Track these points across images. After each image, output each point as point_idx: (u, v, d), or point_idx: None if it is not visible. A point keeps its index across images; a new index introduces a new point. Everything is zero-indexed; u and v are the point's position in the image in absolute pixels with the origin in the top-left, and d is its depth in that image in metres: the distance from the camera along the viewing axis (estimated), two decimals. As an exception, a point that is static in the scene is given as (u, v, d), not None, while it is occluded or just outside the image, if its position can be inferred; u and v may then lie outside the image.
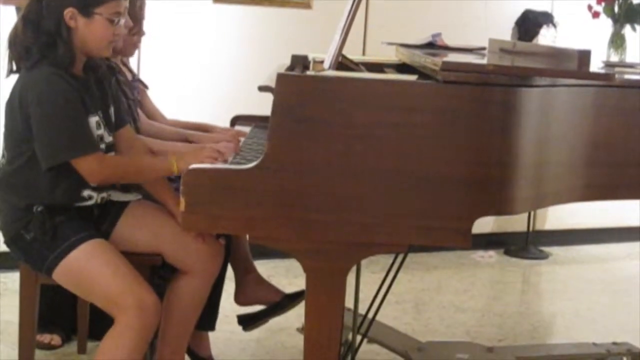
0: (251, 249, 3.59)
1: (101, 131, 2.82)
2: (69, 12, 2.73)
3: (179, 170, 2.74)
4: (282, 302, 3.50)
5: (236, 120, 3.76)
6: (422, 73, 2.81)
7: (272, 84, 2.52)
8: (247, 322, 3.56)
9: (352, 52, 3.40)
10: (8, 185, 2.82)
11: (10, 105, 2.78)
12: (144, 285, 2.76)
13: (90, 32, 2.76)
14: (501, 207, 2.61)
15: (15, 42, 2.77)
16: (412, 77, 2.67)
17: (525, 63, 3.04)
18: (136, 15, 3.30)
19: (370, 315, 3.43)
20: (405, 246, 2.63)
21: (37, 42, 2.73)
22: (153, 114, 3.59)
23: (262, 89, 3.09)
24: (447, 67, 2.54)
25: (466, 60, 3.04)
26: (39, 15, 2.74)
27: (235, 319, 3.59)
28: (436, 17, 5.43)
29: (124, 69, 3.46)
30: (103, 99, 2.89)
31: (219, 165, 2.65)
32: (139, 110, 3.26)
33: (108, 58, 2.97)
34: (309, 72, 2.75)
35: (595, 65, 3.57)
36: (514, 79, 2.58)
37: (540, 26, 5.87)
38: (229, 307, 3.66)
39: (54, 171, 2.73)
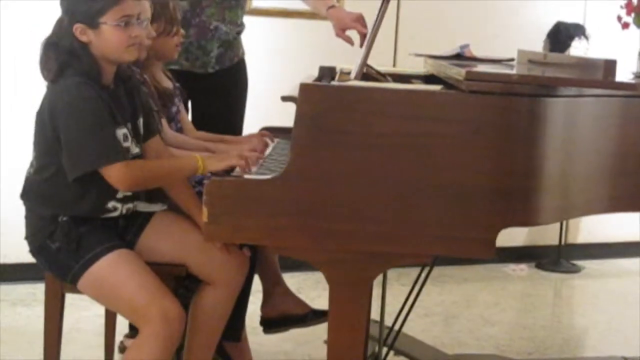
0: (280, 262, 3.59)
1: (128, 143, 2.82)
2: (77, 28, 2.75)
3: (205, 169, 2.76)
4: (306, 316, 3.51)
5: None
6: (448, 84, 2.80)
7: (296, 94, 2.52)
8: (268, 325, 3.59)
9: (383, 64, 3.39)
10: (35, 195, 2.85)
11: (40, 115, 2.80)
12: (168, 296, 2.76)
13: (103, 41, 2.76)
14: (526, 218, 2.58)
15: (43, 66, 2.80)
16: (437, 87, 2.66)
17: (552, 73, 3.02)
18: (171, 16, 3.30)
19: (396, 327, 3.42)
20: (429, 257, 2.62)
21: (58, 60, 2.76)
22: (183, 125, 3.60)
23: (285, 99, 3.09)
24: (471, 77, 2.53)
25: (492, 70, 3.02)
26: (57, 37, 2.78)
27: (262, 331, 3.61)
28: (468, 28, 5.42)
29: (164, 76, 3.47)
30: (133, 110, 2.90)
31: (242, 176, 2.65)
32: (163, 121, 3.27)
33: (131, 68, 2.97)
34: (333, 82, 2.74)
35: (625, 76, 3.54)
36: (539, 89, 2.57)
37: (572, 38, 5.82)
38: (256, 319, 3.66)
39: (80, 183, 2.74)
